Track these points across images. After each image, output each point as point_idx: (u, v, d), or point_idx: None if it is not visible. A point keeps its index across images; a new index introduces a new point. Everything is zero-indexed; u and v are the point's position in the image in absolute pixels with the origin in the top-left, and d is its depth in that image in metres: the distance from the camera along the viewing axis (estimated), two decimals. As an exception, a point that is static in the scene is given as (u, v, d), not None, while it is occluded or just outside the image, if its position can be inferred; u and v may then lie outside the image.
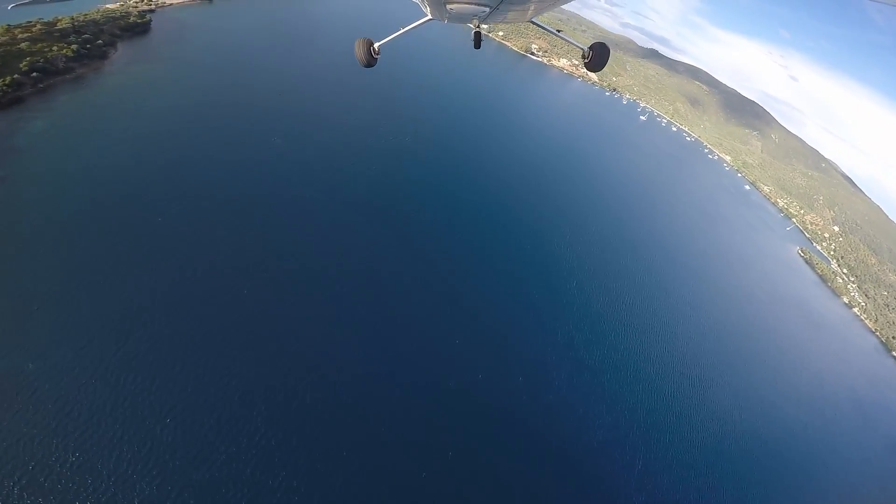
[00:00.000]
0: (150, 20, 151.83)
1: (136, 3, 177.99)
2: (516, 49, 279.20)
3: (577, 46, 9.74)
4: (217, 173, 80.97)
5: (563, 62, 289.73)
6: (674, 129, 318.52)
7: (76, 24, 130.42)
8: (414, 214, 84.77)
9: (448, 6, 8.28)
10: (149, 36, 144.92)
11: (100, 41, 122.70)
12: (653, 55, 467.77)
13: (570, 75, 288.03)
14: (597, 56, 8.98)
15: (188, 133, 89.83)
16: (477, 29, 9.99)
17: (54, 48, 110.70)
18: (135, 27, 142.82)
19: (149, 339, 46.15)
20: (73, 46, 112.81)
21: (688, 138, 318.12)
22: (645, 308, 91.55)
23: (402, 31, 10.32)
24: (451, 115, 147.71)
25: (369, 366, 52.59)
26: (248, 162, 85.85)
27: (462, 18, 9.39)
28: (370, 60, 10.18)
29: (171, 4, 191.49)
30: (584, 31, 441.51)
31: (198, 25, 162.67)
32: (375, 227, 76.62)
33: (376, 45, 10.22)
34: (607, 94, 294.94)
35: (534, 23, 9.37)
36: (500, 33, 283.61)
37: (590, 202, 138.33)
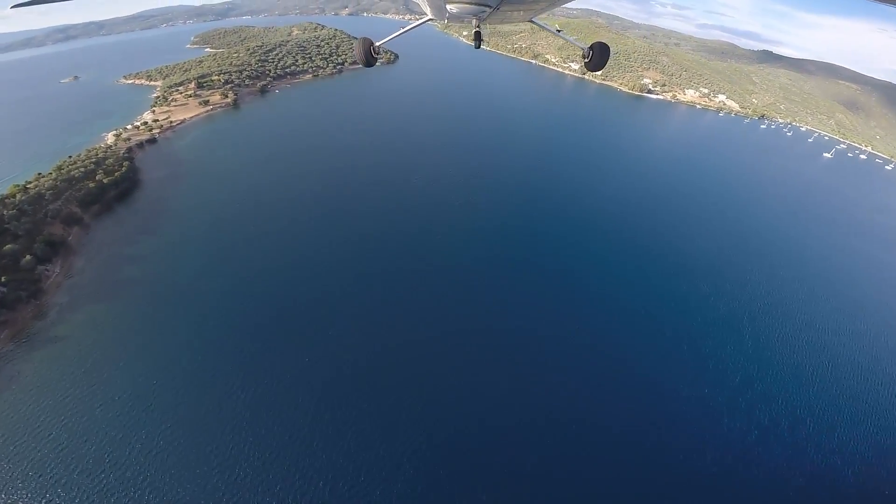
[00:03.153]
0: (134, 168, 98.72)
1: (137, 127, 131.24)
2: (626, 89, 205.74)
3: (578, 46, 9.41)
4: None
5: (689, 94, 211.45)
6: (862, 157, 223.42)
7: (7, 210, 77.51)
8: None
9: (448, 6, 8.00)
10: (128, 202, 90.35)
11: (30, 255, 66.60)
12: (768, 57, 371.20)
13: (705, 109, 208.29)
14: (597, 56, 8.76)
15: None
16: (477, 28, 9.34)
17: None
18: (104, 193, 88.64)
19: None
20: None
21: (887, 167, 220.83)
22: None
23: (401, 31, 10.19)
24: (581, 184, 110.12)
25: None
26: None
27: (462, 19, 9.19)
28: (370, 59, 9.82)
29: (183, 121, 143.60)
30: (677, 43, 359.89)
31: (204, 159, 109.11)
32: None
33: (377, 43, 9.86)
34: (763, 126, 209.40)
35: (534, 22, 9.40)
36: (599, 74, 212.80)
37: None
